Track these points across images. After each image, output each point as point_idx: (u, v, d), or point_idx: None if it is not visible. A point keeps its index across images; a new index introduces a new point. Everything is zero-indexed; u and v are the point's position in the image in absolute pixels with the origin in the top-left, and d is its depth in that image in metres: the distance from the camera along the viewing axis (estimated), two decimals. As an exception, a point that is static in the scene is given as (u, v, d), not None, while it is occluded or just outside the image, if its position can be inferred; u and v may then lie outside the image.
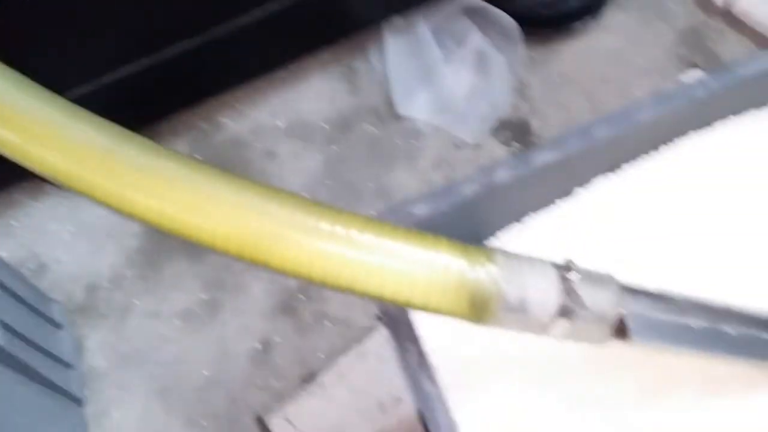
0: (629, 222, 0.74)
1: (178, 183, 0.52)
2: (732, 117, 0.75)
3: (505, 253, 0.55)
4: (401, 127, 1.51)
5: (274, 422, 1.19)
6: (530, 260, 0.55)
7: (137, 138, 0.55)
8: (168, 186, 0.52)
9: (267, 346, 1.30)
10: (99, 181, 0.53)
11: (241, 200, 0.52)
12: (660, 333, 0.58)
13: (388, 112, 1.52)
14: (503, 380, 0.67)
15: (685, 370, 0.68)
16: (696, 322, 0.59)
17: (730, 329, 0.60)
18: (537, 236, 0.75)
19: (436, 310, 0.54)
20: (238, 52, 1.50)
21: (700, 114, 0.73)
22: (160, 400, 1.28)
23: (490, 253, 0.54)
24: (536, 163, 0.69)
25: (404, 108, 1.50)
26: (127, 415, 1.28)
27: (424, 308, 0.54)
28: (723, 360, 0.63)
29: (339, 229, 0.52)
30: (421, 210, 0.68)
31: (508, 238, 0.75)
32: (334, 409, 1.18)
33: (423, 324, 0.71)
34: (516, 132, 1.48)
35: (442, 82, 1.49)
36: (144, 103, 1.50)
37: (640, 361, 0.68)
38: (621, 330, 0.57)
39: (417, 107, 1.50)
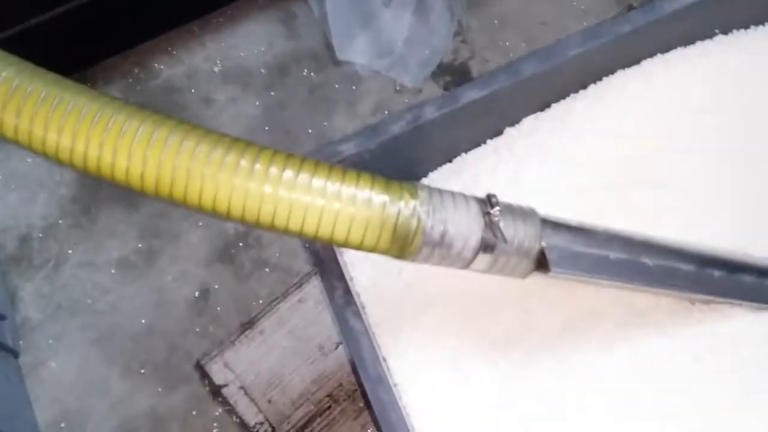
0: (558, 159, 0.74)
1: (89, 119, 0.50)
2: (660, 55, 0.76)
3: (428, 188, 0.55)
4: (341, 72, 1.48)
5: (214, 368, 1.19)
6: (452, 195, 0.55)
7: (48, 75, 0.53)
8: (79, 122, 0.50)
9: (205, 293, 1.29)
10: (7, 119, 0.51)
11: (157, 137, 0.50)
12: (580, 264, 0.59)
13: (328, 57, 1.50)
14: (430, 317, 0.68)
15: (608, 304, 0.70)
16: (615, 254, 0.60)
17: (648, 260, 0.62)
18: (468, 175, 0.75)
19: (359, 246, 0.54)
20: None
21: (628, 51, 0.74)
22: (98, 349, 1.27)
23: (413, 189, 0.54)
24: (464, 101, 0.69)
25: (344, 52, 1.48)
26: (65, 364, 1.26)
27: (347, 244, 0.54)
28: (642, 290, 0.65)
29: (258, 166, 0.51)
30: (350, 149, 0.67)
31: (440, 178, 0.76)
32: (274, 354, 1.18)
33: (353, 265, 0.71)
34: (456, 76, 1.47)
35: (381, 26, 1.47)
36: (75, 47, 1.45)
37: (565, 296, 0.70)
38: (542, 262, 0.57)
39: (357, 52, 1.48)
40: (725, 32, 0.78)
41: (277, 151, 0.53)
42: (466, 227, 0.54)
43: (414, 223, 0.53)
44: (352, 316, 0.59)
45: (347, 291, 0.61)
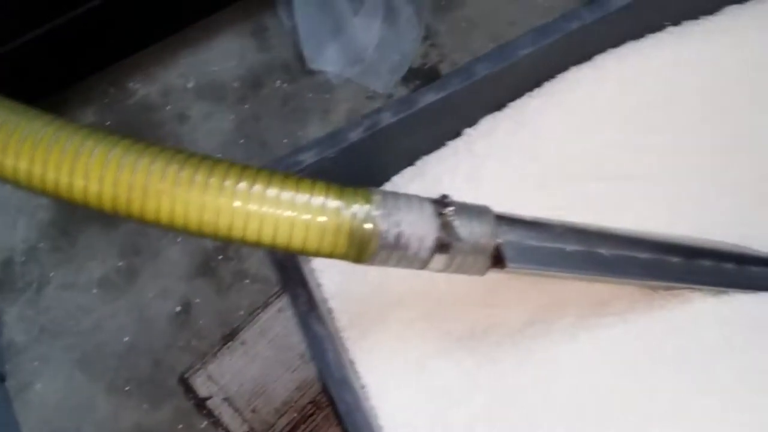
0: (518, 157, 0.76)
1: (44, 142, 0.51)
2: (611, 50, 0.77)
3: (381, 192, 0.56)
4: (313, 82, 1.50)
5: (197, 381, 1.20)
6: (406, 197, 0.57)
7: (2, 101, 0.54)
8: (34, 146, 0.51)
9: (187, 307, 1.30)
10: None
11: (112, 156, 0.51)
12: (536, 259, 0.60)
13: (299, 67, 1.51)
14: (397, 318, 0.69)
15: (571, 296, 0.71)
16: (571, 246, 0.62)
17: (604, 251, 0.63)
18: (430, 177, 0.76)
19: (317, 253, 0.55)
20: (142, 13, 1.47)
21: (579, 47, 0.75)
22: (83, 369, 1.27)
23: (367, 193, 0.55)
24: (420, 105, 0.70)
25: (315, 62, 1.49)
26: (51, 386, 1.27)
27: (305, 251, 0.55)
28: (600, 280, 0.66)
29: (213, 180, 0.52)
30: (309, 158, 0.68)
31: (402, 181, 0.77)
32: (257, 364, 1.19)
33: (322, 272, 0.72)
34: (426, 80, 1.49)
35: (351, 34, 1.49)
36: (48, 70, 1.46)
37: (529, 290, 0.71)
38: (498, 258, 0.58)
39: (328, 61, 1.49)
40: (675, 24, 0.79)
41: (232, 164, 0.54)
42: (421, 228, 0.55)
43: (369, 226, 0.54)
44: (316, 322, 0.60)
45: (310, 297, 0.62)
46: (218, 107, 1.49)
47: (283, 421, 1.15)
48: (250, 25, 1.56)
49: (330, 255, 0.56)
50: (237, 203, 0.52)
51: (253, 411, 1.16)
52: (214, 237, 0.53)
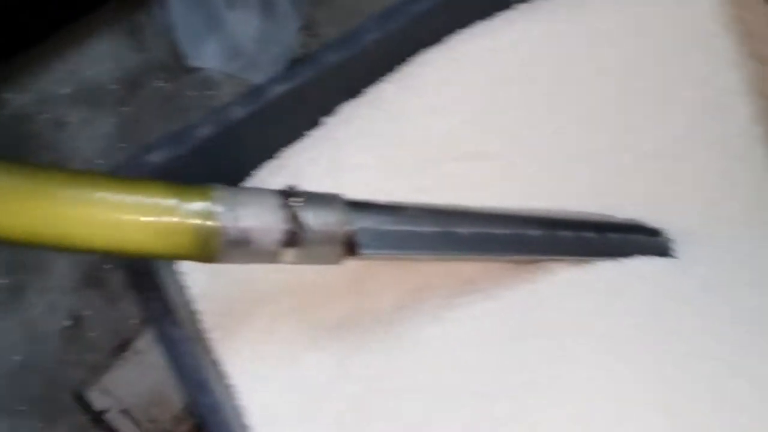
0: (377, 142, 0.75)
1: None
2: (460, 30, 0.78)
3: (222, 187, 0.55)
4: (193, 79, 1.47)
5: (93, 395, 1.16)
6: (249, 191, 0.56)
7: None
8: None
9: (77, 321, 1.26)
10: None
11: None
12: (390, 243, 0.60)
13: (178, 65, 1.47)
14: (263, 314, 0.68)
15: (439, 277, 0.71)
16: (427, 227, 0.62)
17: (461, 230, 0.64)
18: (291, 169, 0.75)
19: (160, 255, 0.54)
20: (7, 19, 1.40)
21: (427, 29, 0.75)
22: (-29, 394, 1.22)
23: (205, 189, 0.54)
24: (269, 97, 0.69)
25: (194, 59, 1.46)
26: (-62, 416, 1.22)
27: (145, 255, 0.54)
28: (461, 259, 0.67)
29: (39, 187, 0.50)
30: (158, 157, 0.66)
31: (264, 175, 0.75)
32: (152, 373, 1.16)
33: (188, 274, 0.70)
34: (309, 71, 1.48)
35: (229, 29, 1.46)
36: None
37: (399, 275, 0.71)
38: (351, 246, 0.58)
39: (207, 57, 1.46)
40: (523, 0, 0.80)
41: (59, 169, 0.52)
42: (266, 222, 0.55)
43: (210, 224, 0.53)
44: (172, 326, 0.59)
45: (164, 301, 0.60)
46: (97, 112, 1.44)
47: (183, 428, 1.12)
48: (124, 26, 1.51)
49: (175, 256, 0.55)
50: (64, 209, 0.50)
51: (152, 421, 1.13)
52: (42, 246, 0.51)
